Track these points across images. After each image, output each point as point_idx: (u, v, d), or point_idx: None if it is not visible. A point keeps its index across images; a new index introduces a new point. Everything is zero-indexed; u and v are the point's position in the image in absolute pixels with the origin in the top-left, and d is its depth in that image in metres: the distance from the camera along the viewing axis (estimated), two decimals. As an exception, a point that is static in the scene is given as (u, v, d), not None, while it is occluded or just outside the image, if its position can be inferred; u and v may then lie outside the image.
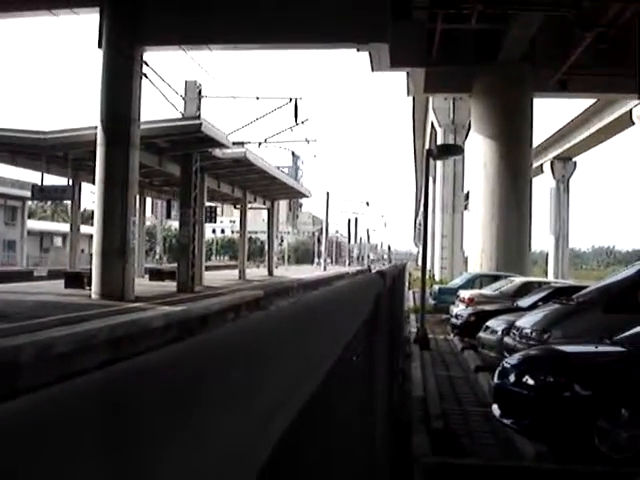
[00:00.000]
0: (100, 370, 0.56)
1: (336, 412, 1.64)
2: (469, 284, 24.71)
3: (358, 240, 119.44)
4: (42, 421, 0.41)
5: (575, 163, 56.90)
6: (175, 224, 44.78)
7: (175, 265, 28.60)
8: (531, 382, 8.05)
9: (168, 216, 44.23)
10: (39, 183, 25.91)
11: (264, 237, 60.77)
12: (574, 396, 7.79)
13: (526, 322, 12.50)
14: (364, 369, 2.51)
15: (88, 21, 24.28)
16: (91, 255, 22.41)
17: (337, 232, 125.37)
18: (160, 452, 0.48)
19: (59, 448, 0.41)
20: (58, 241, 66.17)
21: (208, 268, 36.38)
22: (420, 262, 23.76)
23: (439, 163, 41.63)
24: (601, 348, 9.02)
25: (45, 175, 25.63)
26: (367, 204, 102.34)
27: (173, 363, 0.61)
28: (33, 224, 63.15)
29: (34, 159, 25.56)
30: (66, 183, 26.02)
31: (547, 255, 62.17)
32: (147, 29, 20.26)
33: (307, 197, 52.83)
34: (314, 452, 1.31)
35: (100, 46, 20.49)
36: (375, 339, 2.89)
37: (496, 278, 23.72)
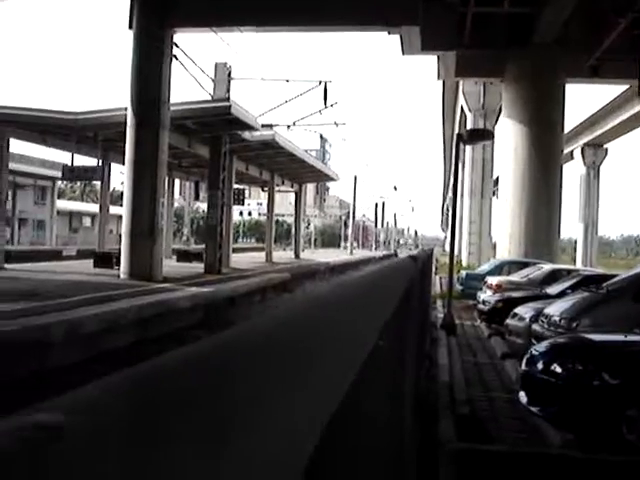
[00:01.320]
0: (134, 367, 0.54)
1: (368, 398, 1.63)
2: (497, 270, 24.57)
3: (385, 225, 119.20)
4: (70, 429, 0.41)
5: (606, 150, 56.28)
6: (203, 206, 45.04)
7: (202, 247, 28.73)
8: (559, 370, 7.99)
9: (196, 198, 44.46)
10: (69, 163, 26.10)
11: (291, 220, 60.81)
12: (602, 385, 7.73)
13: (555, 310, 12.40)
14: (395, 353, 2.49)
15: (120, 2, 24.23)
16: (120, 235, 22.58)
17: (364, 216, 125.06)
18: (189, 456, 0.47)
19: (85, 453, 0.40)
20: (87, 221, 66.76)
21: (235, 250, 36.49)
22: (447, 248, 23.67)
23: (468, 148, 41.32)
24: (630, 337, 8.94)
25: (75, 155, 25.80)
26: (395, 188, 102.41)
27: (202, 360, 0.60)
28: (62, 204, 63.72)
29: (65, 139, 25.73)
30: (96, 164, 26.18)
31: (575, 242, 61.65)
32: (178, 10, 20.28)
33: (335, 180, 52.75)
34: (348, 438, 1.30)
35: (131, 27, 20.55)
36: (406, 324, 2.87)
37: (524, 265, 23.55)
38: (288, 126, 34.04)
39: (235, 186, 32.81)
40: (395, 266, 2.81)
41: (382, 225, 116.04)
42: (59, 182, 56.48)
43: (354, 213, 76.04)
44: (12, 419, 0.39)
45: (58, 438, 0.37)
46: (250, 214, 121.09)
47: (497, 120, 39.70)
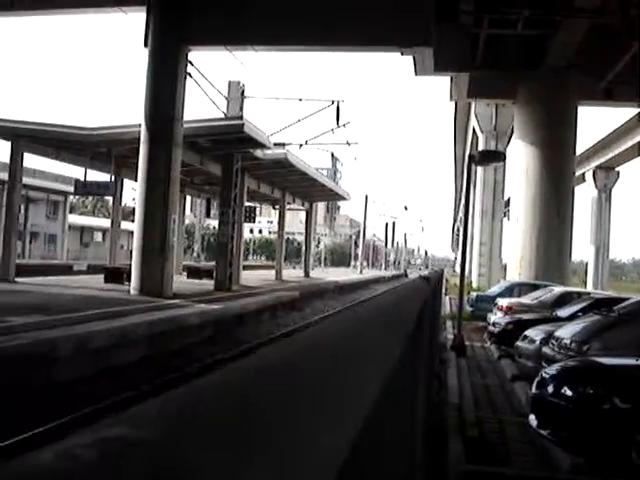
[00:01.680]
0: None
1: (385, 422, 1.64)
2: (507, 292, 24.48)
3: (395, 244, 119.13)
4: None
5: (618, 173, 56.16)
6: (214, 223, 45.13)
7: (213, 264, 28.77)
8: (569, 393, 7.95)
9: (207, 215, 44.54)
10: (81, 178, 26.24)
11: (301, 238, 60.86)
12: (613, 409, 7.68)
13: (565, 332, 12.35)
14: (408, 376, 2.50)
15: (136, 20, 24.42)
16: (131, 251, 22.66)
17: (374, 235, 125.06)
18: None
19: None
20: (98, 236, 66.96)
21: (245, 267, 36.54)
22: (457, 268, 23.61)
23: (479, 169, 41.36)
24: (642, 361, 8.89)
25: (88, 171, 25.96)
26: (405, 208, 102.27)
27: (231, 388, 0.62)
28: (74, 219, 63.96)
29: (78, 154, 25.91)
30: (108, 179, 26.31)
31: (587, 265, 61.39)
32: (193, 29, 20.43)
33: (345, 199, 52.79)
34: (375, 458, 1.31)
35: (146, 45, 20.71)
36: (419, 346, 2.88)
37: (535, 287, 23.46)
38: (300, 145, 34.14)
39: (246, 204, 32.91)
40: (407, 287, 2.82)
41: (392, 245, 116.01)
42: (71, 197, 56.73)
43: (364, 232, 76.05)
44: (90, 433, 0.41)
45: (137, 451, 0.41)
46: (261, 232, 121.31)
47: (509, 142, 39.70)
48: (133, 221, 21.68)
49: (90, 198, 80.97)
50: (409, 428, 2.67)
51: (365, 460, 1.09)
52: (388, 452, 1.69)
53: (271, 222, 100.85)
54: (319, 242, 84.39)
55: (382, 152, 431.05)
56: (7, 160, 24.14)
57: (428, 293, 3.55)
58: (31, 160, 51.66)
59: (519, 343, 14.31)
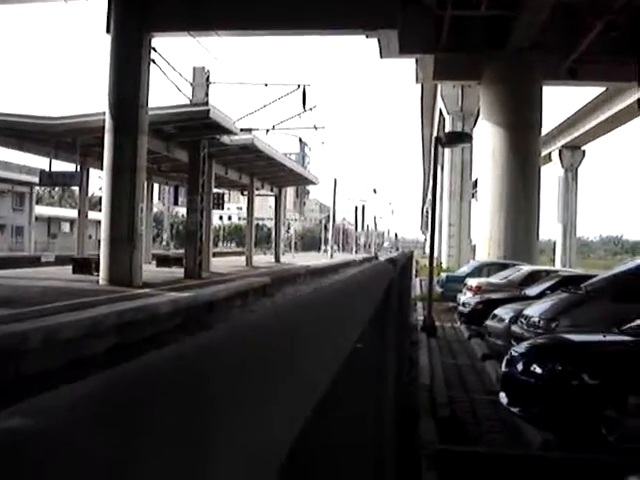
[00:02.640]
0: (114, 370, 0.54)
1: (348, 402, 1.63)
2: (476, 272, 24.66)
3: (365, 227, 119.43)
4: (42, 428, 0.41)
5: (584, 152, 56.70)
6: (182, 210, 44.89)
7: (182, 251, 28.65)
8: (539, 371, 8.04)
9: (175, 202, 44.34)
10: (47, 169, 25.94)
11: (271, 224, 60.82)
12: (582, 385, 7.78)
13: (534, 311, 12.48)
14: (375, 356, 2.50)
15: (97, 7, 24.13)
16: (99, 241, 22.47)
17: (344, 219, 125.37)
18: (171, 455, 0.47)
19: (61, 455, 0.40)
20: (66, 227, 66.34)
21: (215, 255, 36.42)
22: (427, 250, 23.76)
23: (447, 151, 41.51)
24: (609, 337, 9.00)
25: (53, 161, 25.67)
26: (374, 191, 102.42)
27: (182, 361, 0.60)
28: (41, 210, 63.27)
29: (42, 145, 25.60)
30: (74, 169, 26.04)
31: (555, 244, 62.04)
32: (155, 15, 20.23)
33: (314, 184, 52.82)
34: (326, 439, 1.30)
35: (108, 31, 20.48)
36: (386, 326, 2.88)
37: (504, 266, 23.66)
38: (267, 130, 34.02)
39: (214, 190, 32.77)
40: (373, 269, 2.81)
41: (362, 228, 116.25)
42: (37, 188, 56.10)
43: (334, 216, 76.12)
44: None
45: (27, 441, 0.40)
46: (230, 218, 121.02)
47: (475, 123, 39.89)
48: (100, 211, 21.50)
49: (56, 189, 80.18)
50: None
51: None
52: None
53: (240, 208, 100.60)
54: (289, 227, 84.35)
55: (350, 136, 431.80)
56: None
57: (394, 276, 3.55)
58: (-5, 151, 50.98)
59: (489, 322, 14.45)
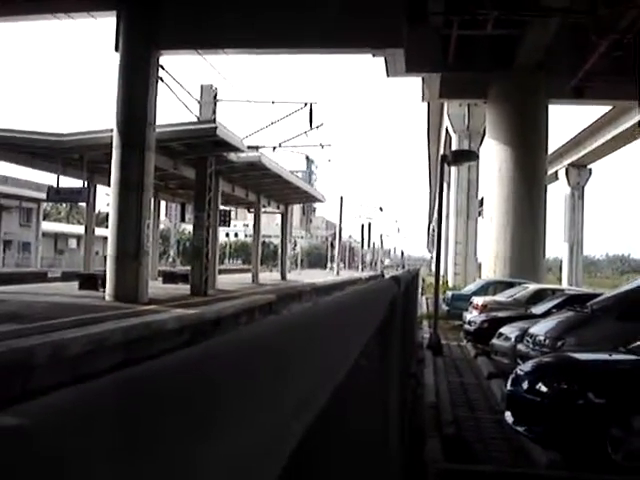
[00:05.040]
0: (121, 371, 0.56)
1: (351, 417, 1.65)
2: (482, 290, 24.64)
3: (371, 245, 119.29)
4: (55, 425, 0.41)
5: (590, 170, 56.61)
6: (189, 227, 45.00)
7: (188, 268, 28.65)
8: (544, 389, 8.02)
9: (182, 219, 44.40)
10: (54, 185, 26.04)
11: (277, 241, 60.79)
12: (587, 404, 7.76)
13: (540, 329, 12.46)
14: (379, 374, 2.51)
15: (106, 25, 24.29)
16: (105, 257, 22.50)
17: (350, 237, 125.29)
18: (178, 455, 0.49)
19: (72, 454, 0.40)
20: (72, 243, 66.46)
21: (221, 271, 36.43)
22: (433, 268, 23.73)
23: (453, 169, 41.60)
24: (615, 356, 8.98)
25: (61, 177, 25.76)
26: (380, 209, 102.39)
27: (186, 368, 0.62)
28: (48, 226, 63.44)
29: (50, 161, 25.69)
30: (81, 185, 26.13)
31: (561, 262, 61.89)
32: (163, 33, 20.34)
33: (321, 202, 52.83)
34: (329, 458, 1.31)
35: (117, 49, 20.61)
36: (389, 344, 2.89)
37: (510, 285, 23.63)
38: (274, 147, 34.19)
39: (221, 207, 32.82)
40: (377, 287, 2.83)
41: (368, 246, 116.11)
42: (44, 204, 56.26)
43: (340, 234, 76.09)
44: None
45: (20, 441, 0.40)
46: (236, 235, 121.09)
47: (482, 141, 39.97)
48: (107, 227, 21.54)
49: (64, 205, 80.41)
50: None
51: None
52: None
53: (247, 225, 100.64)
54: (295, 245, 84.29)
55: (356, 154, 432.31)
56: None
57: (397, 294, 3.57)
58: (2, 168, 51.24)
59: (494, 341, 14.42)
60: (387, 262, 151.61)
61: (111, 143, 20.43)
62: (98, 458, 0.39)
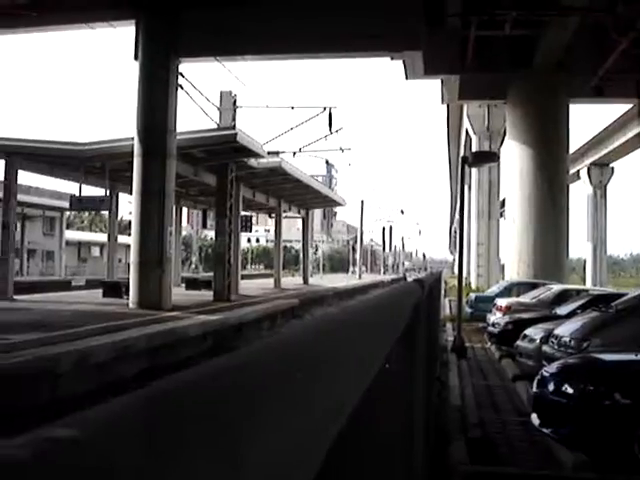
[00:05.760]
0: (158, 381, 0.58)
1: (378, 420, 1.66)
2: (506, 292, 24.49)
3: (393, 248, 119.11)
4: (106, 437, 0.42)
5: (612, 169, 56.11)
6: (211, 233, 45.15)
7: (211, 274, 28.75)
8: (570, 391, 7.97)
9: (204, 226, 44.58)
10: (77, 194, 26.23)
11: (299, 246, 60.94)
12: (614, 405, 7.70)
13: (565, 330, 12.37)
14: (404, 377, 2.52)
15: (126, 34, 24.47)
16: (128, 265, 22.64)
17: (372, 240, 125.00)
18: (218, 460, 0.50)
19: (122, 466, 0.41)
20: (96, 251, 66.88)
21: (244, 277, 36.57)
22: (456, 270, 23.64)
23: (474, 170, 41.40)
24: (641, 356, 8.90)
25: (83, 186, 25.95)
26: (402, 212, 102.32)
27: (224, 376, 0.63)
28: (71, 234, 63.89)
29: (72, 170, 25.89)
30: (103, 194, 26.29)
31: (585, 262, 61.43)
32: (182, 41, 20.47)
33: (341, 205, 52.87)
34: (358, 461, 1.32)
35: (136, 58, 20.76)
36: (414, 347, 2.90)
37: (534, 286, 23.46)
38: (294, 153, 34.20)
39: (242, 213, 32.93)
40: (401, 291, 2.84)
41: (390, 249, 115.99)
42: (67, 213, 56.69)
43: (362, 237, 76.08)
44: (28, 435, 0.41)
45: (72, 452, 0.42)
46: (258, 241, 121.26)
47: (502, 142, 39.79)
48: (130, 235, 21.67)
49: (86, 213, 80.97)
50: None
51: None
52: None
53: (268, 231, 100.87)
54: (317, 249, 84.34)
55: (376, 157, 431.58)
56: (2, 178, 24.20)
57: (421, 296, 3.57)
58: (26, 177, 51.67)
59: (519, 342, 14.33)
60: (409, 265, 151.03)
61: (132, 151, 20.56)
62: (147, 467, 0.42)
